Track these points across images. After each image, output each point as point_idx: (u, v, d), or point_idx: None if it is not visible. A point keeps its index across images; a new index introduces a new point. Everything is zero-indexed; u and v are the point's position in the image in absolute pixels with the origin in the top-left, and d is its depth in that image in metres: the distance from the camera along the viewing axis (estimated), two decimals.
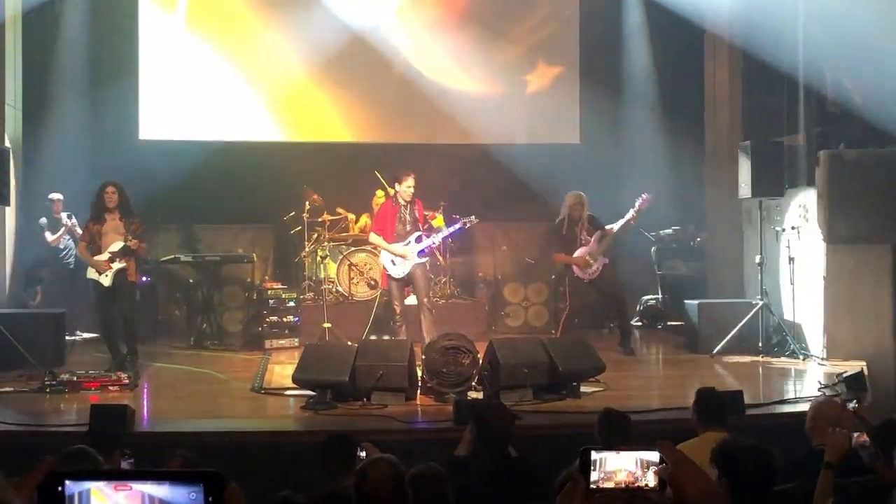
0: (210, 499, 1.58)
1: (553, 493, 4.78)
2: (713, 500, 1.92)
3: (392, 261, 9.85)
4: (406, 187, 9.77)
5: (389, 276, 9.92)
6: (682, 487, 1.89)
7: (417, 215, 9.93)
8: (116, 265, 9.31)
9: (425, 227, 9.99)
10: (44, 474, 1.55)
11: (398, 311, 9.92)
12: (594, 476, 1.97)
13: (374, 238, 10.11)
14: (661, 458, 1.96)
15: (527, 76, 14.08)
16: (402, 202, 9.86)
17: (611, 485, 1.96)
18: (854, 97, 10.41)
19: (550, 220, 11.62)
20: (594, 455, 1.98)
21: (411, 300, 10.31)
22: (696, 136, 12.93)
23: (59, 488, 1.57)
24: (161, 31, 13.22)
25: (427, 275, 10.05)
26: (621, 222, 10.52)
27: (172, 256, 11.85)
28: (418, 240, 9.83)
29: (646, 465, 1.96)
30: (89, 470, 1.69)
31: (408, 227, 9.87)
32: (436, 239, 9.93)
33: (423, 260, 9.94)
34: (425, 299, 9.84)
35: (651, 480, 1.94)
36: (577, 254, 10.48)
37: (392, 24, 13.71)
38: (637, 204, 10.44)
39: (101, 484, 1.58)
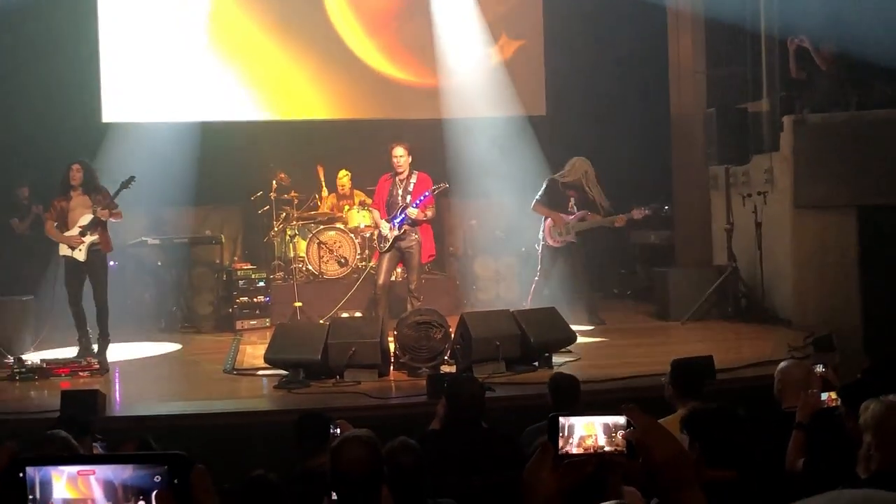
0: (175, 481, 1.56)
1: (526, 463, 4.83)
2: (682, 462, 1.92)
3: (379, 234, 9.78)
4: (394, 158, 9.65)
5: (378, 249, 9.84)
6: (651, 451, 1.89)
7: (411, 189, 9.71)
8: (88, 238, 9.22)
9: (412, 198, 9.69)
10: (4, 461, 1.53)
11: (380, 283, 9.72)
12: (562, 443, 1.96)
13: (374, 214, 10.08)
14: (628, 423, 1.95)
15: (490, 49, 14.03)
16: (397, 177, 9.75)
17: (580, 451, 1.96)
18: (817, 62, 10.46)
19: (516, 194, 11.67)
20: (562, 421, 1.97)
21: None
22: (662, 104, 12.95)
23: (21, 475, 1.55)
24: (121, 11, 13.04)
25: (420, 258, 9.80)
26: (609, 220, 10.59)
27: (140, 240, 11.77)
28: (401, 211, 9.69)
29: (614, 430, 1.96)
30: (51, 455, 1.67)
31: (400, 202, 9.70)
32: (410, 211, 9.69)
33: (411, 236, 9.68)
34: (412, 286, 9.72)
35: (620, 445, 1.95)
36: (560, 214, 10.56)
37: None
38: (633, 214, 10.52)
39: (63, 469, 1.56)
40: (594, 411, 1.99)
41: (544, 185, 10.89)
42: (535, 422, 5.61)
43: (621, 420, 1.94)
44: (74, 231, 9.26)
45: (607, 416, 1.97)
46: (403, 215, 9.61)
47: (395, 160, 9.65)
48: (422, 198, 9.69)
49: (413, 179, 9.72)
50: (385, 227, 9.68)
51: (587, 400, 5.70)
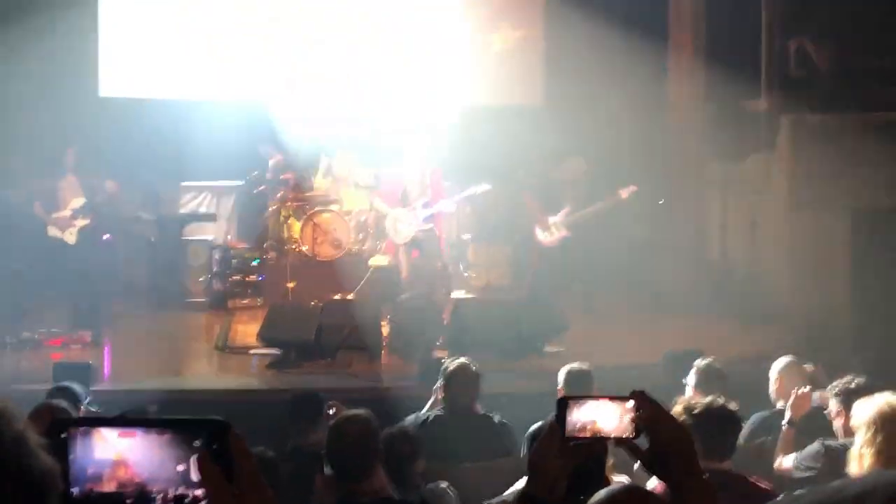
0: (214, 446, 1.57)
1: (521, 447, 4.85)
2: (687, 445, 1.96)
3: (395, 225, 9.73)
4: (411, 155, 9.67)
5: (394, 241, 9.78)
6: (658, 435, 1.92)
7: (429, 182, 9.70)
8: (80, 222, 9.22)
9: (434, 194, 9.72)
10: (46, 420, 1.54)
11: (404, 276, 9.67)
12: (570, 425, 1.99)
13: (378, 203, 10.02)
14: (636, 407, 1.98)
15: (490, 36, 14.00)
16: (410, 169, 9.74)
17: (587, 434, 1.99)
18: (817, 63, 10.49)
19: (513, 183, 11.68)
20: (570, 403, 2.00)
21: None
22: (660, 100, 12.95)
23: (62, 435, 1.56)
24: None
25: (439, 244, 9.82)
26: (597, 206, 10.54)
27: (134, 215, 11.74)
28: (426, 205, 9.65)
29: (622, 414, 1.99)
30: (94, 417, 1.68)
31: (415, 193, 9.67)
32: (445, 205, 9.67)
33: (428, 226, 9.68)
34: (438, 263, 9.68)
35: (627, 429, 1.97)
36: (546, 215, 10.55)
37: None
38: (620, 194, 10.45)
39: (104, 431, 1.57)
40: (602, 395, 2.01)
41: (541, 183, 10.90)
42: (526, 409, 5.65)
43: (629, 404, 1.97)
44: (66, 213, 9.25)
45: (615, 399, 2.00)
46: (433, 210, 9.58)
47: (413, 157, 9.62)
48: (462, 195, 9.87)
49: (428, 173, 9.70)
50: (405, 219, 9.62)
51: None
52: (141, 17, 13.00)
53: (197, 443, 1.56)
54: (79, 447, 1.55)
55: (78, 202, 9.24)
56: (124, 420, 1.62)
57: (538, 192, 10.76)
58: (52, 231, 9.27)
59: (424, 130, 12.16)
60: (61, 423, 1.56)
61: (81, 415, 5.03)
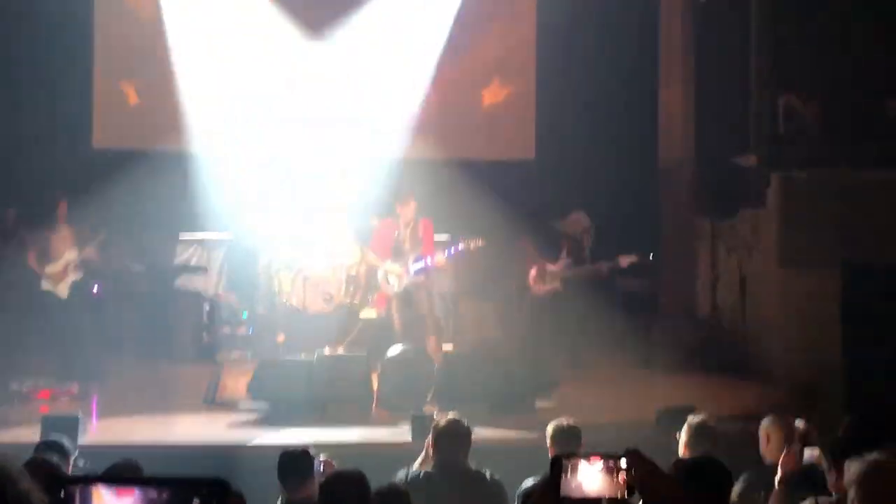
0: None
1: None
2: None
3: (387, 278, 9.71)
4: (407, 209, 9.65)
5: (385, 294, 9.75)
6: (651, 495, 1.92)
7: (421, 236, 9.74)
8: (72, 277, 9.22)
9: (425, 247, 9.74)
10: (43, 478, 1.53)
11: (398, 329, 9.65)
12: (564, 485, 1.99)
13: (369, 256, 10.02)
14: (629, 466, 1.98)
15: (482, 90, 14.10)
16: (402, 223, 9.75)
17: (580, 494, 1.98)
18: (806, 119, 10.59)
19: (504, 237, 11.71)
20: (564, 463, 2.00)
21: None
22: (651, 153, 13.03)
23: (61, 492, 1.56)
24: (116, 36, 13.02)
25: (431, 297, 9.81)
26: (595, 268, 10.63)
27: (124, 265, 11.71)
28: (417, 258, 9.65)
29: (615, 473, 1.99)
30: (93, 475, 1.67)
31: (406, 247, 9.69)
32: (436, 258, 9.70)
33: (420, 279, 9.68)
34: (429, 320, 9.65)
35: (621, 488, 1.97)
36: (544, 261, 10.58)
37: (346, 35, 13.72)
38: (619, 261, 10.55)
39: (103, 488, 1.57)
40: (595, 454, 2.01)
41: (542, 231, 10.95)
42: (516, 464, 5.63)
43: (622, 463, 1.97)
44: (58, 267, 9.25)
45: (609, 458, 2.00)
46: (425, 263, 9.59)
47: (407, 212, 9.67)
48: (455, 249, 9.87)
49: (420, 226, 9.72)
50: (397, 271, 9.61)
51: None
52: (133, 67, 13.07)
53: (196, 501, 1.56)
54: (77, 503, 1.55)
55: (70, 255, 9.24)
56: (122, 478, 1.61)
57: (537, 239, 10.81)
58: (45, 285, 9.25)
59: (415, 183, 12.24)
60: (60, 481, 1.55)
61: (70, 469, 5.00)
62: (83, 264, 9.30)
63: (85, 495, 1.56)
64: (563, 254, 10.69)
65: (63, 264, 9.24)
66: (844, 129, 10.68)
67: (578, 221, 10.83)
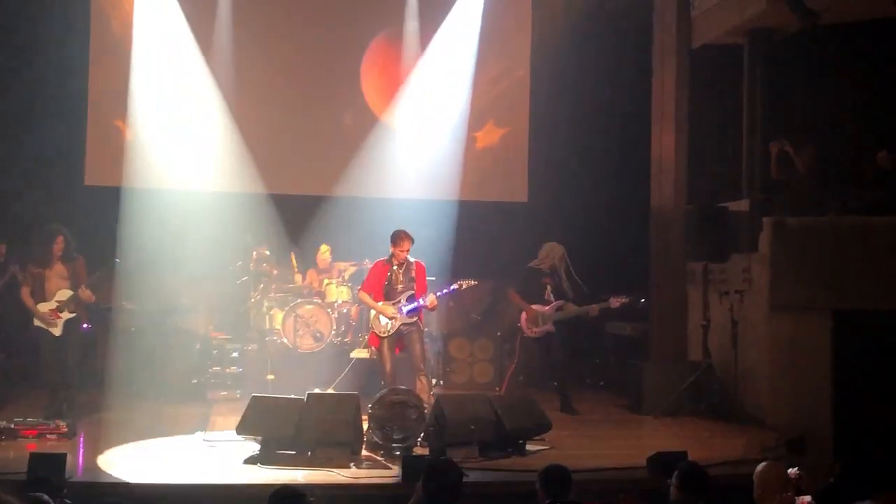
0: None
1: None
2: None
3: (378, 318, 9.71)
4: (401, 250, 9.63)
5: (377, 335, 9.71)
6: None
7: (413, 276, 9.72)
8: (65, 315, 9.21)
9: (418, 288, 9.71)
10: None
11: (387, 370, 9.59)
12: None
13: (361, 296, 9.99)
14: None
15: (476, 133, 14.19)
16: (395, 263, 9.75)
17: None
18: (797, 166, 10.67)
19: (495, 279, 11.74)
20: None
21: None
22: (643, 198, 13.10)
23: None
24: (111, 76, 13.10)
25: (422, 338, 9.78)
26: (586, 309, 10.70)
27: (115, 304, 11.69)
28: (409, 299, 9.65)
29: None
30: None
31: (399, 287, 9.66)
32: (428, 299, 9.63)
33: (412, 319, 9.64)
34: (421, 364, 9.59)
35: None
36: (533, 307, 10.63)
37: (342, 76, 13.83)
38: (610, 302, 10.64)
39: None
40: (593, 499, 2.01)
41: (521, 274, 11.00)
42: None
43: None
44: (52, 304, 9.25)
45: None
46: (417, 304, 9.59)
47: (401, 252, 9.64)
48: (447, 290, 9.92)
49: (413, 267, 9.74)
50: (390, 313, 9.61)
51: None
52: (127, 107, 13.12)
53: None
54: None
55: (64, 295, 9.23)
56: None
57: (521, 284, 10.85)
58: (39, 323, 9.24)
59: (409, 223, 12.28)
60: None
61: None
62: (77, 304, 9.28)
63: None
64: (548, 293, 10.73)
65: (56, 303, 9.23)
66: (836, 176, 10.77)
67: (552, 251, 10.87)
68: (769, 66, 11.74)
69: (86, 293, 9.29)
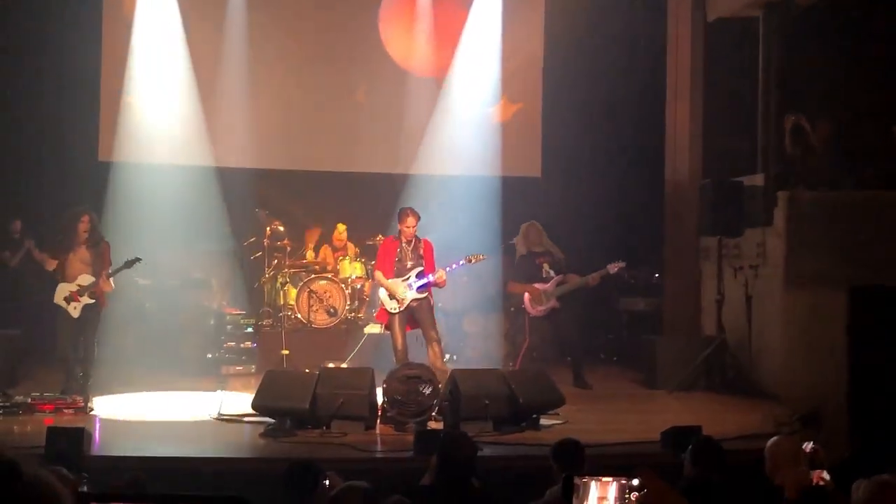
0: None
1: None
2: None
3: (389, 296, 9.70)
4: (407, 227, 9.64)
5: (388, 311, 9.71)
6: None
7: (422, 253, 9.74)
8: (85, 300, 9.24)
9: (427, 265, 9.72)
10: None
11: (399, 346, 9.59)
12: (576, 502, 1.98)
13: (376, 275, 10.01)
14: (640, 485, 1.97)
15: (489, 109, 14.14)
16: (403, 240, 9.76)
17: None
18: (812, 140, 10.59)
19: (509, 254, 11.73)
20: (576, 482, 1.99)
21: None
22: (657, 172, 13.04)
23: None
24: (125, 50, 13.08)
25: (432, 310, 9.79)
26: (586, 279, 10.67)
27: (130, 279, 11.70)
28: (419, 275, 9.65)
29: (627, 492, 1.98)
30: (116, 493, 1.67)
31: (409, 264, 9.67)
32: (439, 275, 9.63)
33: (422, 295, 9.66)
34: (432, 332, 9.61)
35: None
36: (535, 285, 10.64)
37: (356, 52, 13.77)
38: (608, 268, 10.61)
39: None
40: (607, 473, 2.00)
41: (516, 262, 11.01)
42: (522, 482, 5.61)
43: (634, 482, 1.96)
44: (73, 287, 9.26)
45: (620, 478, 1.99)
46: (427, 280, 9.59)
47: (408, 229, 9.65)
48: (456, 265, 9.89)
49: (420, 245, 9.75)
50: (401, 290, 9.61)
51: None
52: (141, 81, 13.11)
53: None
54: None
55: (85, 280, 9.25)
56: (145, 496, 1.61)
57: (518, 273, 10.86)
58: (59, 299, 9.27)
59: (422, 199, 12.27)
60: (85, 498, 1.55)
61: (73, 482, 4.98)
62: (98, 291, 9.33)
63: None
64: (545, 270, 10.72)
65: (77, 286, 9.25)
66: (851, 150, 10.70)
67: (530, 230, 10.89)
68: (785, 40, 11.63)
69: (107, 283, 9.32)
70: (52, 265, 9.39)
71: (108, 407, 8.94)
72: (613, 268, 10.71)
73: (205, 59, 13.25)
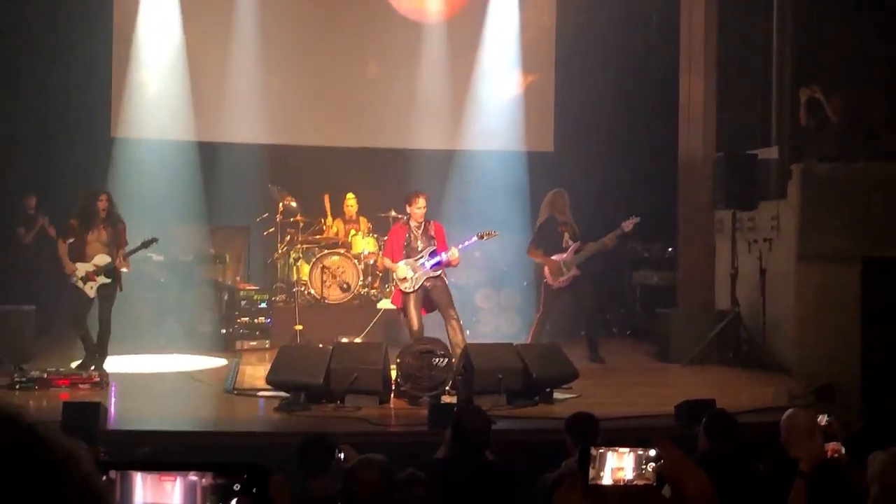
0: (254, 490, 1.57)
1: (532, 496, 4.82)
2: (709, 496, 1.94)
3: (403, 277, 9.66)
4: (417, 209, 9.57)
5: (402, 292, 9.64)
6: (680, 484, 1.91)
7: (433, 234, 9.65)
8: (101, 280, 9.25)
9: (439, 244, 9.64)
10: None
11: (416, 327, 9.49)
12: (593, 473, 1.98)
13: (385, 262, 9.98)
14: (658, 456, 1.97)
15: (501, 83, 14.09)
16: (413, 223, 9.68)
17: (609, 482, 1.97)
18: (827, 113, 10.53)
19: (521, 229, 11.70)
20: (593, 452, 1.99)
21: None
22: (671, 145, 12.98)
23: (104, 477, 1.56)
24: (137, 26, 13.07)
25: (447, 288, 9.69)
26: (603, 241, 10.60)
27: (143, 255, 11.73)
28: (432, 255, 9.58)
29: (644, 462, 1.98)
30: (135, 460, 1.69)
31: (419, 246, 9.58)
32: (452, 253, 9.54)
33: (436, 273, 9.58)
34: (451, 310, 9.56)
35: (649, 477, 1.96)
36: (553, 258, 10.55)
37: (367, 26, 13.74)
38: (623, 226, 10.54)
39: (145, 474, 1.57)
40: (624, 444, 2.00)
41: (537, 227, 10.91)
42: (536, 455, 5.62)
43: (651, 453, 1.96)
44: (89, 267, 9.26)
45: (636, 448, 1.99)
46: (440, 259, 9.50)
47: (417, 211, 9.58)
48: (468, 242, 9.78)
49: (431, 228, 9.69)
50: (406, 271, 9.56)
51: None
52: (153, 57, 13.11)
53: (237, 486, 1.56)
54: (121, 488, 1.56)
55: (102, 260, 9.25)
56: (165, 463, 1.62)
57: (541, 240, 10.74)
58: (76, 281, 9.27)
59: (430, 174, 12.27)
60: (104, 466, 1.55)
61: (92, 448, 5.02)
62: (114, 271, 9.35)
63: (126, 480, 1.56)
64: (566, 240, 10.62)
65: (94, 266, 9.25)
66: (866, 123, 10.63)
67: (556, 198, 10.78)
68: (799, 11, 11.55)
69: (123, 263, 9.34)
70: (63, 249, 9.37)
71: (124, 384, 8.98)
72: (628, 225, 10.61)
73: (217, 35, 13.24)
